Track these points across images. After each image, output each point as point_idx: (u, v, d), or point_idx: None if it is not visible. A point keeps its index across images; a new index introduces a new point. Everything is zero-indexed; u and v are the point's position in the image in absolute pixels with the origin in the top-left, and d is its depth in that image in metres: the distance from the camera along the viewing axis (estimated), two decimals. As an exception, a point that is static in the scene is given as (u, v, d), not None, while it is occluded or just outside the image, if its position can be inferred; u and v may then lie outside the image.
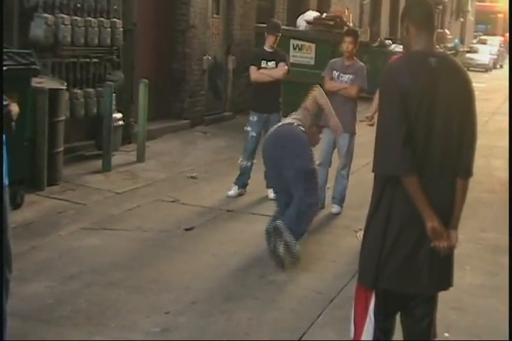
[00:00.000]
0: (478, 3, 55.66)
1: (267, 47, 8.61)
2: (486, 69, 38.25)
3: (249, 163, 8.53)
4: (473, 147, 3.60)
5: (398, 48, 18.85)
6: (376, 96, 7.87)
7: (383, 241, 3.55)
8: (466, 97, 3.58)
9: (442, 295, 3.80)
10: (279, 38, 8.64)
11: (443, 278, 3.65)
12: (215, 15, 14.16)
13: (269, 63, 8.51)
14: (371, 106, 8.03)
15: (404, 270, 3.55)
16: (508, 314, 4.82)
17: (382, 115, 3.55)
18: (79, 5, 9.40)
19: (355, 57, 8.07)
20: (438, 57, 3.57)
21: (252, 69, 8.53)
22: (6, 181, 4.31)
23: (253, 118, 8.52)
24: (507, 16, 51.91)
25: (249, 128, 8.57)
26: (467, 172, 3.58)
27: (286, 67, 8.48)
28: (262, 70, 8.43)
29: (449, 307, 5.20)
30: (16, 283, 4.71)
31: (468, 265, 6.42)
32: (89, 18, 9.49)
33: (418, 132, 3.45)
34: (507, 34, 50.11)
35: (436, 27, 3.84)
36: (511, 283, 5.39)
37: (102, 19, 9.74)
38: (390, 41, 21.59)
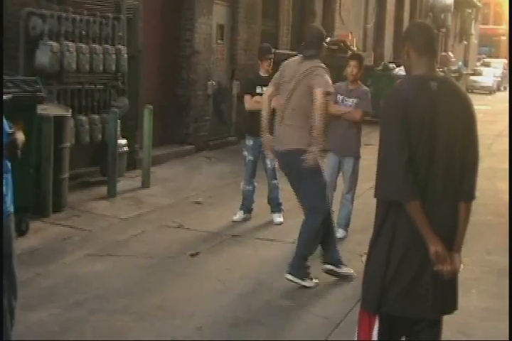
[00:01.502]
0: (481, 26, 55.93)
1: (262, 73, 8.55)
2: (489, 91, 38.33)
3: (250, 187, 8.53)
4: (475, 170, 3.60)
5: (402, 72, 18.91)
6: None
7: (387, 266, 3.54)
8: (467, 120, 3.59)
9: (448, 319, 3.78)
10: (272, 60, 8.62)
11: (447, 301, 3.64)
12: (219, 41, 14.28)
13: (264, 88, 8.44)
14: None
15: (408, 294, 3.54)
16: (508, 314, 4.81)
17: (383, 139, 3.56)
18: (84, 32, 9.48)
19: (359, 82, 8.11)
20: (439, 81, 3.59)
21: (246, 98, 8.47)
22: (11, 208, 4.33)
23: (249, 142, 8.52)
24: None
25: (245, 153, 8.57)
26: (470, 196, 3.59)
27: None
28: (256, 97, 8.32)
29: (455, 331, 5.17)
30: (21, 310, 4.71)
31: (474, 288, 6.39)
32: (94, 45, 9.57)
33: (420, 156, 3.46)
34: (510, 57, 50.30)
35: (437, 51, 3.87)
36: (511, 283, 5.35)
37: (107, 46, 9.82)
38: (394, 65, 21.67)
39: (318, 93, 6.13)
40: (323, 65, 6.34)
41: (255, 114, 8.59)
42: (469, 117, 3.61)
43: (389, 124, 3.53)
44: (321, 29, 6.82)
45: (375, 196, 3.58)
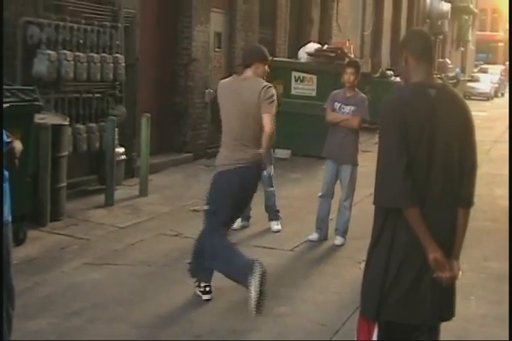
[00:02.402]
0: (478, 33, 56.03)
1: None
2: (487, 97, 38.39)
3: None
4: (473, 176, 3.62)
5: (399, 79, 18.97)
6: None
7: (385, 273, 3.55)
8: (465, 127, 3.61)
9: (447, 325, 3.79)
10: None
11: (446, 308, 3.65)
12: (216, 49, 14.30)
13: None
14: None
15: (407, 301, 3.55)
16: (508, 314, 4.81)
17: (382, 146, 3.57)
18: (81, 41, 9.49)
19: (356, 89, 8.12)
20: (437, 88, 3.60)
21: None
22: (9, 217, 4.33)
23: None
24: (507, 45, 52.23)
25: None
26: (468, 202, 3.60)
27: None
28: None
29: (453, 337, 5.15)
30: (18, 319, 4.70)
31: (473, 294, 6.39)
32: (92, 54, 9.58)
33: (418, 163, 3.48)
34: (507, 63, 50.41)
35: (435, 58, 3.89)
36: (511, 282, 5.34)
37: (105, 54, 9.83)
38: (392, 72, 21.72)
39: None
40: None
41: None
42: (467, 124, 3.62)
43: (388, 131, 3.55)
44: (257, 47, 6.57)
45: (374, 203, 3.59)
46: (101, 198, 9.32)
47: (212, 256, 5.89)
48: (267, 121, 5.83)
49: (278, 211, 8.58)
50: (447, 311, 3.67)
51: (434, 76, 3.77)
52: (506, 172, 12.26)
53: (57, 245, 7.49)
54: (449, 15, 37.16)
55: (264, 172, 8.38)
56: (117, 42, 10.24)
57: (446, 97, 3.61)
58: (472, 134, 3.64)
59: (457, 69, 37.16)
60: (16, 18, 8.70)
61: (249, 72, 6.06)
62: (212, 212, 6.03)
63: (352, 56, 15.40)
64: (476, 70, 47.05)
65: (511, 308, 5.05)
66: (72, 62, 9.13)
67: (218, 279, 6.64)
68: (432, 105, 3.53)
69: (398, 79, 19.03)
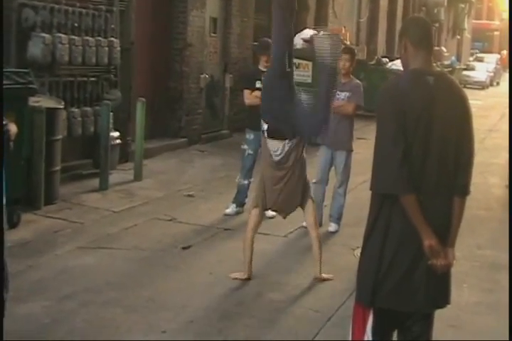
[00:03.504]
0: (474, 21, 55.91)
1: (261, 67, 8.45)
2: (482, 86, 38.35)
3: (246, 181, 8.52)
4: (470, 165, 3.61)
5: (395, 66, 18.93)
6: None
7: (381, 259, 3.55)
8: (463, 115, 3.60)
9: (440, 313, 3.79)
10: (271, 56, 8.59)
11: (440, 296, 3.65)
12: (212, 34, 14.24)
13: None
14: None
15: (402, 288, 3.55)
16: (508, 314, 4.82)
17: (379, 133, 3.56)
18: (76, 24, 9.44)
19: (351, 75, 8.10)
20: (435, 76, 3.59)
21: (246, 92, 8.42)
22: (3, 200, 4.32)
23: (249, 136, 8.51)
24: (503, 34, 52.18)
25: (245, 147, 8.55)
26: (464, 191, 3.59)
27: None
28: (255, 92, 8.27)
29: (446, 325, 5.18)
30: (11, 302, 4.71)
31: (466, 283, 6.40)
32: (87, 38, 9.54)
33: (415, 150, 3.47)
34: (503, 51, 50.34)
35: (433, 45, 3.87)
36: (511, 282, 5.38)
37: (100, 38, 9.79)
38: (387, 59, 21.68)
39: None
40: None
41: (255, 108, 8.56)
42: (465, 112, 3.62)
43: (385, 118, 3.54)
44: None
45: (371, 189, 3.59)
46: (95, 182, 9.30)
47: None
48: None
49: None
50: (442, 299, 3.67)
51: (433, 63, 3.76)
52: (500, 161, 12.31)
53: (51, 229, 7.47)
54: (445, 4, 37.10)
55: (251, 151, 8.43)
56: (112, 26, 10.20)
57: (444, 85, 3.60)
58: (470, 123, 3.63)
59: (453, 58, 37.08)
60: (10, 0, 8.63)
61: None
62: None
63: (348, 43, 15.37)
64: (471, 59, 46.95)
65: (511, 307, 5.04)
66: (67, 46, 9.09)
67: (213, 264, 6.67)
68: (430, 93, 3.52)
69: (394, 66, 19.02)
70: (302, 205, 6.44)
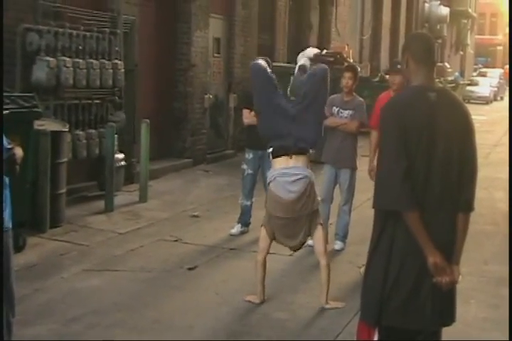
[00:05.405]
0: (477, 36, 56.08)
1: None
2: (486, 101, 38.38)
3: (248, 202, 8.53)
4: (474, 181, 3.60)
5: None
6: (372, 137, 7.88)
7: (385, 277, 3.54)
8: (465, 131, 3.60)
9: (447, 330, 3.78)
10: None
11: (446, 313, 3.64)
12: (215, 55, 14.32)
13: None
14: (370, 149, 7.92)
15: (407, 306, 3.53)
16: (508, 314, 4.81)
17: (382, 150, 3.57)
18: (80, 47, 9.50)
19: (354, 93, 8.13)
20: (437, 92, 3.60)
21: (245, 112, 8.42)
22: (9, 224, 4.34)
23: (248, 155, 8.51)
24: (506, 49, 52.27)
25: (245, 166, 8.55)
26: (468, 207, 3.58)
27: None
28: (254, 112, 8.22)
29: (453, 342, 5.17)
30: (18, 326, 4.72)
31: (473, 298, 6.39)
32: (91, 60, 9.59)
33: (418, 166, 3.47)
34: (507, 66, 50.40)
35: (436, 61, 3.89)
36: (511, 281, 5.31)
37: (104, 61, 9.84)
38: (390, 76, 21.65)
39: None
40: None
41: (254, 128, 8.54)
42: (467, 128, 3.62)
43: (387, 135, 3.55)
44: None
45: (374, 206, 3.59)
46: (101, 204, 9.33)
47: None
48: None
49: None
50: (448, 316, 3.65)
51: (435, 79, 3.78)
52: (505, 175, 12.25)
53: (57, 251, 7.49)
54: (448, 20, 37.22)
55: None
56: (116, 49, 10.26)
57: (446, 101, 3.61)
58: (472, 138, 3.63)
59: (456, 73, 37.16)
60: (15, 25, 8.72)
61: None
62: None
63: (351, 61, 15.42)
64: (475, 74, 47.06)
65: (511, 310, 5.05)
66: (72, 69, 9.14)
67: (219, 284, 6.66)
68: (431, 109, 3.53)
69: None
70: (311, 233, 6.22)
